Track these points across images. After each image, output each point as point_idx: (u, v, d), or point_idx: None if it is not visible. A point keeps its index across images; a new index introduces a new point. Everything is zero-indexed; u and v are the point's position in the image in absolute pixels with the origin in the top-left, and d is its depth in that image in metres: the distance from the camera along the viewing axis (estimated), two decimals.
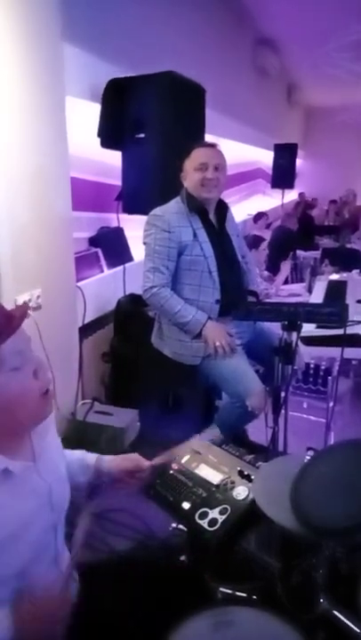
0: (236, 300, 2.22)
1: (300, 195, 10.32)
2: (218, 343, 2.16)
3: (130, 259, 3.63)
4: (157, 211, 2.26)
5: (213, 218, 2.33)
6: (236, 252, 2.39)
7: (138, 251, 3.75)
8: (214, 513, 1.20)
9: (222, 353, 2.16)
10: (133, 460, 1.23)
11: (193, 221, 2.25)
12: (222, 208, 2.36)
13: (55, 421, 1.13)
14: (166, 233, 2.20)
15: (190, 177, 2.25)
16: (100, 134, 2.92)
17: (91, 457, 1.24)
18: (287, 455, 1.87)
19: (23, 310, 0.93)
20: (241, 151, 6.95)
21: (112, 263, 3.49)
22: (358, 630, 0.94)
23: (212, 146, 2.30)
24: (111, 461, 1.22)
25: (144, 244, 2.29)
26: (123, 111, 2.87)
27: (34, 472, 0.98)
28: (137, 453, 1.24)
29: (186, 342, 2.26)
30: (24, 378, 0.91)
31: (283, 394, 1.94)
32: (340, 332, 1.90)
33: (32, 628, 0.87)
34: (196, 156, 2.25)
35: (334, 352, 2.21)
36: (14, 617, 0.87)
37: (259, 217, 6.17)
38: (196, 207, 2.25)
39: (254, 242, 4.05)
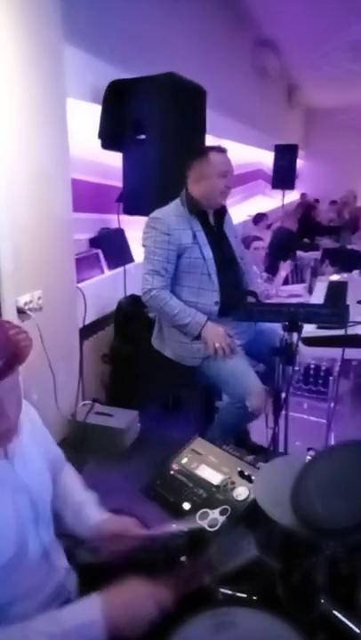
0: (235, 301, 2.22)
1: (303, 195, 10.31)
2: (218, 344, 2.16)
3: (130, 260, 3.63)
4: (157, 213, 2.26)
5: (212, 220, 2.33)
6: (235, 253, 2.39)
7: (138, 252, 3.75)
8: (215, 513, 1.20)
9: (222, 354, 2.17)
10: (125, 524, 1.15)
11: (193, 224, 2.25)
12: (221, 210, 2.36)
13: (56, 423, 1.13)
14: (166, 235, 2.20)
15: (210, 183, 2.21)
16: (100, 136, 2.92)
17: (90, 511, 1.17)
18: (288, 455, 1.87)
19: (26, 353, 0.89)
20: (241, 152, 6.95)
21: (113, 264, 3.49)
22: (358, 630, 0.94)
23: (226, 152, 2.29)
24: (105, 522, 1.15)
25: (143, 246, 2.29)
26: (123, 112, 2.88)
27: (8, 469, 0.98)
28: (133, 518, 1.16)
29: (186, 344, 2.26)
30: None
31: (283, 394, 1.94)
32: (340, 332, 1.90)
33: (121, 613, 0.90)
34: (219, 163, 2.22)
35: (335, 353, 2.21)
36: (104, 602, 0.90)
37: (259, 218, 6.16)
38: (197, 210, 2.25)
39: (244, 241, 4.04)
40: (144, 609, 0.92)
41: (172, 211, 2.27)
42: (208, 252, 2.24)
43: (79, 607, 0.92)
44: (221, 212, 2.36)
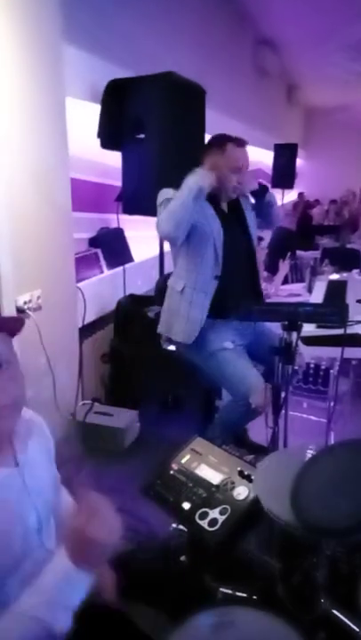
0: (238, 293, 2.19)
1: (300, 195, 10.31)
2: (217, 172, 2.09)
3: (130, 259, 3.63)
4: (170, 190, 2.19)
5: (225, 208, 2.30)
6: (253, 248, 2.34)
7: (138, 251, 3.75)
8: (214, 513, 1.20)
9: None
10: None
11: (205, 206, 2.19)
12: (236, 203, 2.33)
13: (55, 423, 1.13)
14: None
15: (222, 176, 2.17)
16: (99, 135, 2.92)
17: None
18: (288, 448, 1.87)
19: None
20: None
21: (112, 264, 3.49)
22: (358, 630, 0.94)
23: (246, 145, 2.24)
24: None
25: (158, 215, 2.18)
26: (123, 112, 2.87)
27: (17, 477, 0.97)
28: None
29: (189, 318, 2.21)
30: None
31: (283, 394, 1.94)
32: (340, 331, 1.90)
33: (82, 549, 0.87)
34: (235, 157, 2.18)
35: (334, 352, 2.21)
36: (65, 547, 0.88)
37: None
38: (209, 195, 2.17)
39: None
40: (102, 537, 0.88)
41: None
42: (217, 227, 2.19)
43: (51, 565, 0.90)
44: (234, 200, 2.31)
